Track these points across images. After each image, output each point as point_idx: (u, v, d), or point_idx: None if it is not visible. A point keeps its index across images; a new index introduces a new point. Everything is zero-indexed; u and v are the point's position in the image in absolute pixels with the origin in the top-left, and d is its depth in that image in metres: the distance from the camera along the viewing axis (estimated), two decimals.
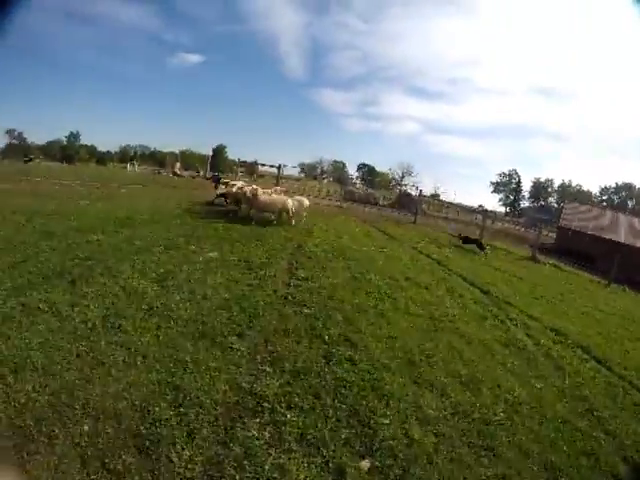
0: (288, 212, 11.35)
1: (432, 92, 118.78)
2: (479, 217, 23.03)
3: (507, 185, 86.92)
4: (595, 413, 4.59)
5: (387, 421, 3.57)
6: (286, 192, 13.86)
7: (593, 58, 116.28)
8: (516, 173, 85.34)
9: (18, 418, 3.12)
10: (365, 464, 3.11)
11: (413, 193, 28.00)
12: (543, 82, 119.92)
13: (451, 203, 22.78)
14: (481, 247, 14.76)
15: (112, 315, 4.76)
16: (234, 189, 11.72)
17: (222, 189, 12.25)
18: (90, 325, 4.48)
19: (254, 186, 11.69)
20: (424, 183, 44.78)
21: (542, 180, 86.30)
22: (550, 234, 31.55)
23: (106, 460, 2.87)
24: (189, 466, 2.87)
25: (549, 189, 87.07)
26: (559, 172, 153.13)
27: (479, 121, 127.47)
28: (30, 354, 3.88)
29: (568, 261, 19.90)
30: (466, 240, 15.06)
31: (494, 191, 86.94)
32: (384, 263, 8.68)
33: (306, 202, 12.46)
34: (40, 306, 4.77)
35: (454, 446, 3.46)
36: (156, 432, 3.13)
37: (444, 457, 3.32)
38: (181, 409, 3.36)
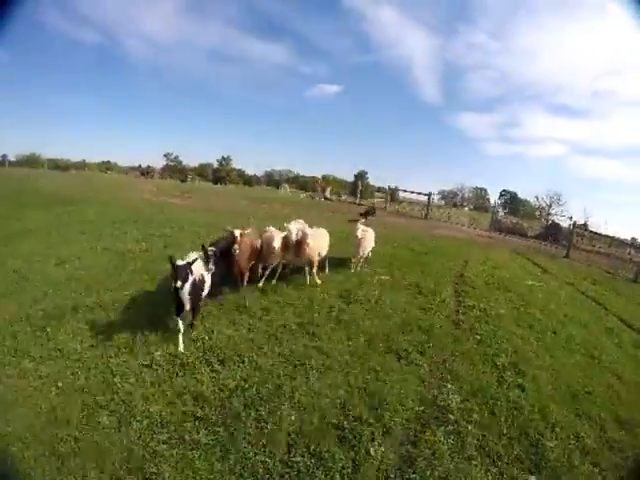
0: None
1: (575, 109, 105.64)
2: (633, 252, 20.10)
3: None
4: None
5: (552, 444, 3.89)
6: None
7: None
8: None
9: (227, 401, 3.86)
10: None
11: (562, 224, 25.63)
12: None
13: (603, 235, 20.11)
14: (373, 214, 17.25)
15: (306, 323, 5.66)
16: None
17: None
18: (288, 329, 5.44)
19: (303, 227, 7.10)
20: (572, 211, 40.42)
21: None
22: None
23: (311, 446, 3.40)
24: (385, 460, 3.40)
25: None
26: None
27: (628, 139, 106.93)
28: (236, 348, 4.80)
29: None
30: (365, 214, 16.49)
31: None
32: (543, 298, 8.53)
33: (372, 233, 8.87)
34: (232, 306, 5.91)
35: (606, 477, 3.66)
36: (357, 428, 3.69)
37: None
38: (377, 411, 3.95)
